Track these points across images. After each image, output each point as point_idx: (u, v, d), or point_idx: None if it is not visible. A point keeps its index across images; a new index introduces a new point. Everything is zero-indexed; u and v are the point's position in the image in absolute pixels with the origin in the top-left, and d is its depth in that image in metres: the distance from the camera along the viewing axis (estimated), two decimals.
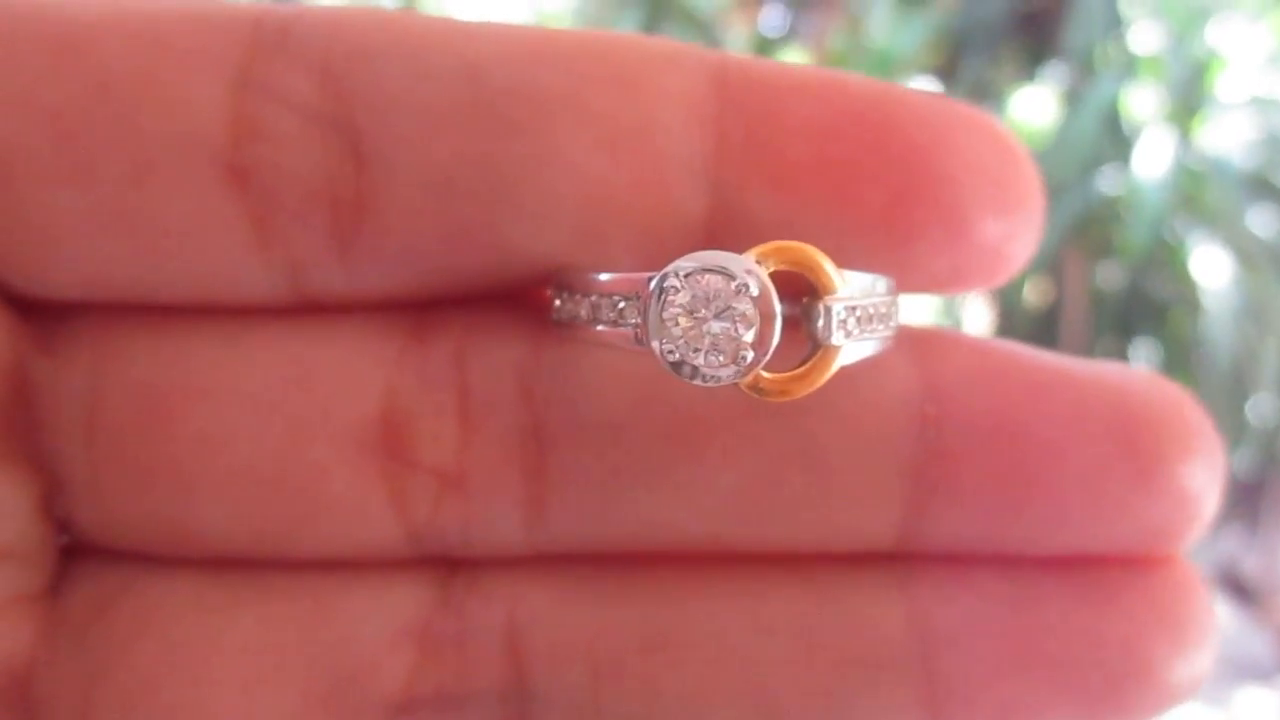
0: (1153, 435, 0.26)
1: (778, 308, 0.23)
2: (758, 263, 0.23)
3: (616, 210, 0.25)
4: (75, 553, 0.28)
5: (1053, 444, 0.27)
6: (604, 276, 0.25)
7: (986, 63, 1.76)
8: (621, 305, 0.24)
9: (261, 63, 0.25)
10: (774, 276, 0.23)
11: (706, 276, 0.22)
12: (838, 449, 0.27)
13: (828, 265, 0.23)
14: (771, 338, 0.23)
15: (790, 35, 1.96)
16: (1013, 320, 1.57)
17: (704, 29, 1.84)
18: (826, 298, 0.23)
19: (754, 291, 0.22)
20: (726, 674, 0.28)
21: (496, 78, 0.25)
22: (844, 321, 0.24)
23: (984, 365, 0.27)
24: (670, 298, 0.23)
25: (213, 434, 0.27)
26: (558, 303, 0.26)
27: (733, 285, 0.22)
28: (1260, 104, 1.58)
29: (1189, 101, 1.59)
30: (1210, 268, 1.50)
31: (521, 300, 0.28)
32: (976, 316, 1.59)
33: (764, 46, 1.90)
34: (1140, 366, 0.27)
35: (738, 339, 0.23)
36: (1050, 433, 0.27)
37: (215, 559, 0.28)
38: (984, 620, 0.27)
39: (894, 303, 0.26)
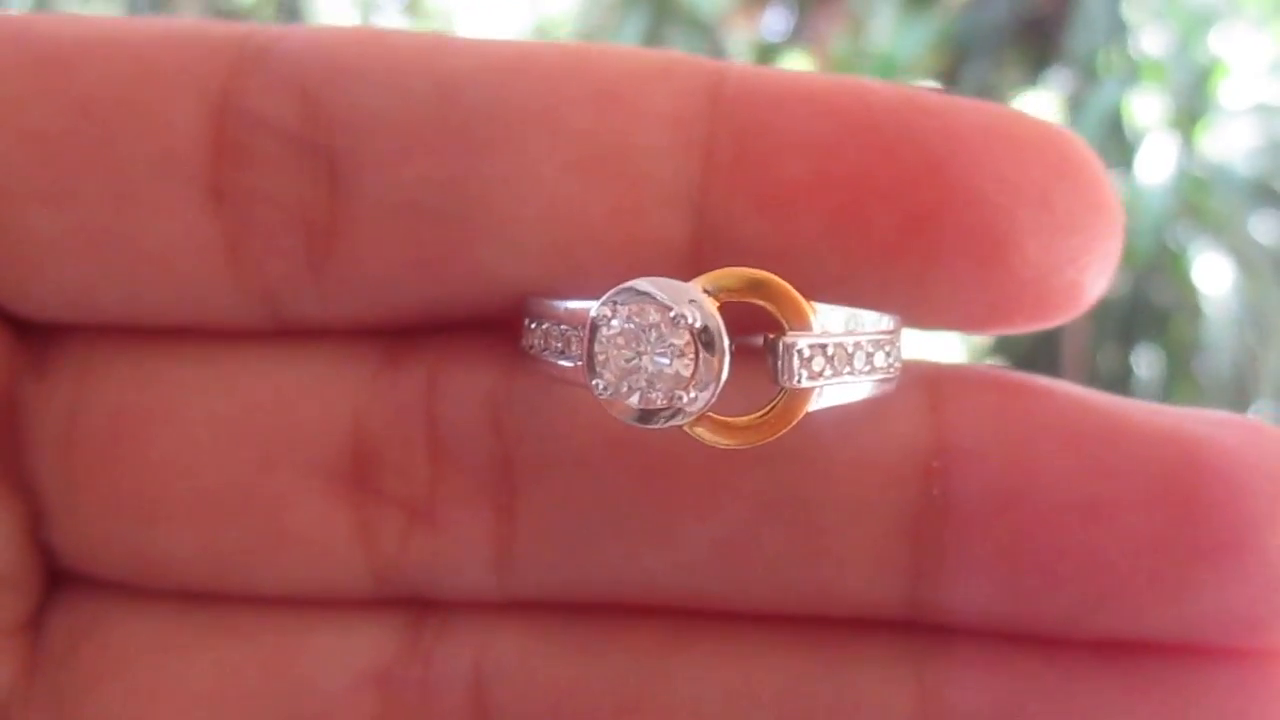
0: (1236, 497, 0.22)
1: (725, 342, 0.20)
2: (705, 291, 0.21)
3: (589, 235, 0.24)
4: (58, 581, 0.28)
5: (1091, 506, 0.23)
6: (560, 304, 0.23)
7: (990, 67, 1.75)
8: (569, 335, 0.23)
9: (242, 83, 0.25)
10: (738, 309, 0.21)
11: (645, 306, 0.21)
12: (829, 503, 0.24)
13: (793, 296, 0.21)
14: (717, 376, 0.20)
15: (793, 39, 1.95)
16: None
17: (707, 33, 1.84)
18: (789, 334, 0.21)
19: (695, 323, 0.20)
20: None
21: (470, 94, 0.24)
22: (809, 361, 0.21)
23: (1008, 410, 0.24)
24: (604, 329, 0.21)
25: (179, 459, 0.26)
26: (523, 331, 0.25)
27: (670, 316, 0.20)
28: (1263, 110, 1.57)
29: (1192, 108, 1.58)
30: (1212, 274, 1.50)
31: (497, 328, 0.27)
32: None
33: (766, 50, 1.89)
34: (1235, 413, 0.24)
35: (676, 377, 0.21)
36: (1088, 492, 0.23)
37: (181, 592, 0.27)
38: (1010, 708, 0.24)
39: (890, 341, 0.23)
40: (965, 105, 0.24)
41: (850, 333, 0.22)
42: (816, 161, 0.23)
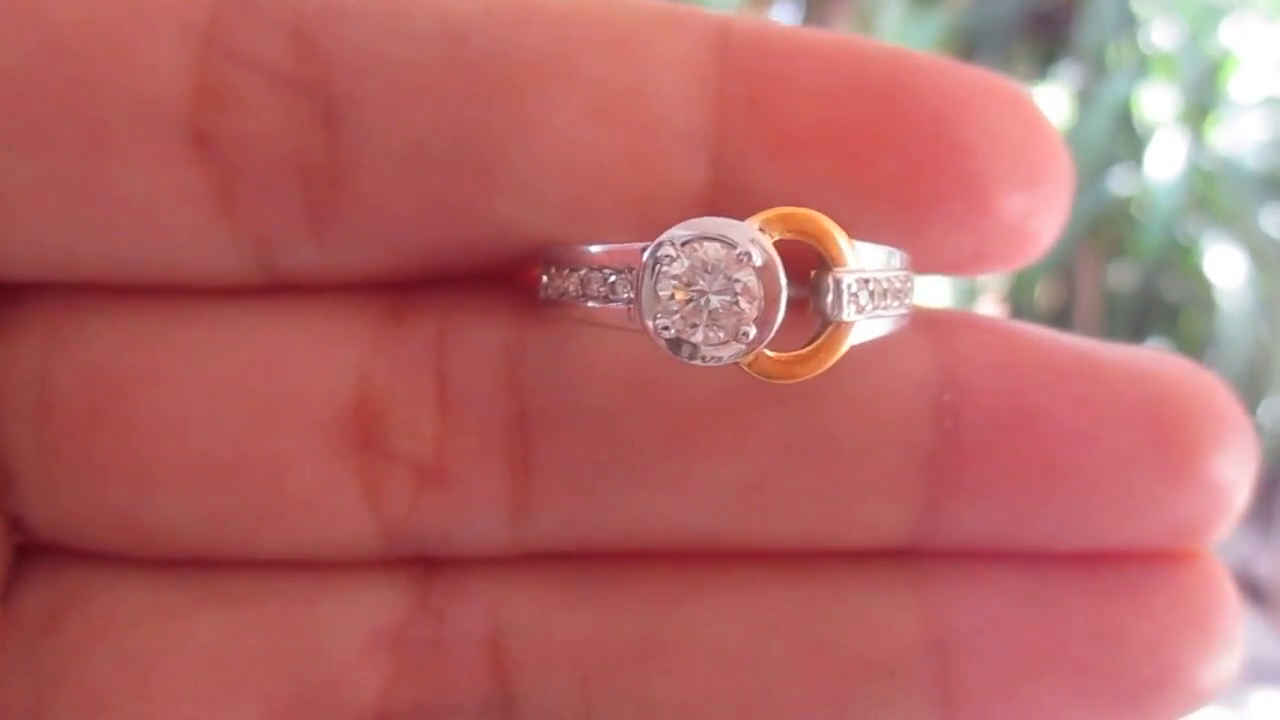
0: (1184, 424, 0.25)
1: (783, 279, 0.21)
2: (761, 230, 0.21)
3: (607, 182, 0.24)
4: (27, 553, 0.26)
5: (1078, 433, 0.25)
6: (594, 248, 0.23)
7: (999, 62, 1.75)
8: (613, 279, 0.22)
9: (228, 22, 0.23)
10: (777, 247, 0.21)
11: (705, 245, 0.20)
12: (848, 439, 0.25)
13: (838, 234, 0.21)
14: (777, 312, 0.21)
15: None
16: (1025, 320, 1.56)
17: None
18: (836, 269, 0.21)
19: (757, 261, 0.20)
20: (725, 680, 0.26)
21: (479, 40, 0.23)
22: (855, 296, 0.22)
23: (1004, 349, 0.26)
24: (665, 268, 0.21)
25: (170, 422, 0.25)
26: (545, 279, 0.24)
27: (734, 254, 0.20)
28: (1273, 104, 1.57)
29: (1202, 101, 1.58)
30: (1223, 268, 1.50)
31: (507, 280, 0.26)
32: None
33: None
34: (1168, 351, 0.28)
35: (739, 314, 0.21)
36: (1075, 421, 0.25)
37: (174, 559, 0.26)
38: (1003, 621, 0.26)
39: (909, 278, 0.24)
40: (948, 63, 0.25)
41: (883, 268, 0.23)
42: (823, 110, 0.24)
